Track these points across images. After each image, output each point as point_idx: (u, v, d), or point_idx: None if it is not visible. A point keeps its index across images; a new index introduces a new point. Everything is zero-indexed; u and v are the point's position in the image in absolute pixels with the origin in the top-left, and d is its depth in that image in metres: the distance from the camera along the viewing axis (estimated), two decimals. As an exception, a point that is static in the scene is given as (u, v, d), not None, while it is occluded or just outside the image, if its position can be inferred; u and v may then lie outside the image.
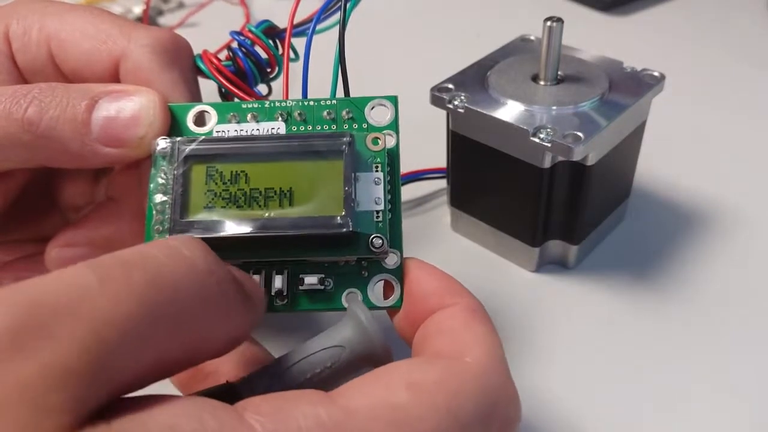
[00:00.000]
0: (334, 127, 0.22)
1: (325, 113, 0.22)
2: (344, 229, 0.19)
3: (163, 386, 0.16)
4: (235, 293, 0.16)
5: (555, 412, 0.26)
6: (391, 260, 0.21)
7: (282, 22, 0.27)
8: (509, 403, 0.17)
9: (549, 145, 0.26)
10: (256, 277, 0.20)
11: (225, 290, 0.16)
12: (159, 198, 0.21)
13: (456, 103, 0.29)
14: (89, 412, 0.13)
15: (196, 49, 0.26)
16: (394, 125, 0.22)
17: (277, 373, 0.18)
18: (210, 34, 0.30)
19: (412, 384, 0.16)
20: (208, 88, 0.26)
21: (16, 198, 0.25)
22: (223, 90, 0.25)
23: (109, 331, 0.13)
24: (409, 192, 0.37)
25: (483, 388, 0.16)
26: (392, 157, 0.21)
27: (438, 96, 0.29)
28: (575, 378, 0.27)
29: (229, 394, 0.17)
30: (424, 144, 0.35)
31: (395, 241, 0.21)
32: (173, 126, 0.22)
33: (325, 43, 0.25)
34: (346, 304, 0.20)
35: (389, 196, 0.21)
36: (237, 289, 0.17)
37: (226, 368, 0.21)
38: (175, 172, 0.20)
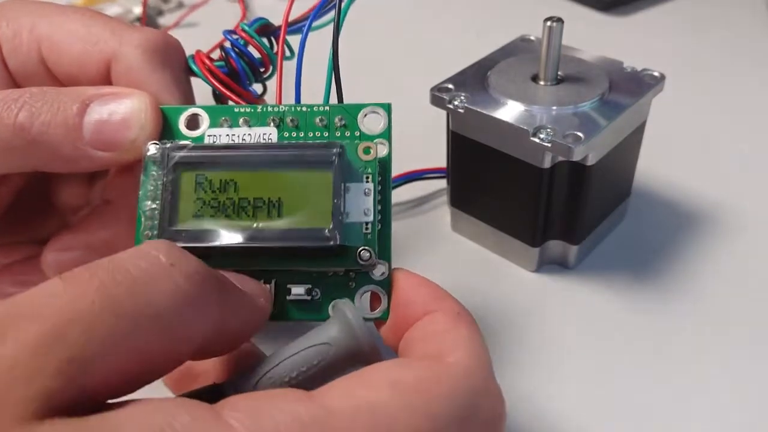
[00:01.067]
0: (326, 134, 0.22)
1: (317, 120, 0.22)
2: (332, 243, 0.19)
3: (157, 388, 0.16)
4: (210, 288, 0.16)
5: (554, 412, 0.26)
6: (379, 272, 0.20)
7: (281, 19, 0.27)
8: (491, 402, 0.17)
9: (549, 145, 0.26)
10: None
11: (195, 284, 0.16)
12: (148, 204, 0.20)
13: (456, 103, 0.29)
14: (59, 406, 0.13)
15: (196, 48, 0.25)
16: (387, 134, 0.22)
17: (263, 373, 0.18)
18: (210, 33, 0.30)
19: (393, 383, 0.16)
20: (205, 87, 0.26)
21: (12, 201, 0.25)
22: (216, 91, 0.25)
23: (71, 328, 0.14)
24: (409, 192, 0.37)
25: (462, 388, 0.16)
26: (384, 166, 0.21)
27: (438, 96, 0.29)
28: (575, 378, 0.27)
29: (214, 394, 0.17)
30: (424, 144, 0.35)
31: (384, 252, 0.21)
32: (165, 128, 0.22)
33: (320, 41, 0.25)
34: (332, 312, 0.20)
35: (379, 207, 0.21)
36: (214, 284, 0.17)
37: (216, 369, 0.21)
38: (165, 179, 0.20)
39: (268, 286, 0.20)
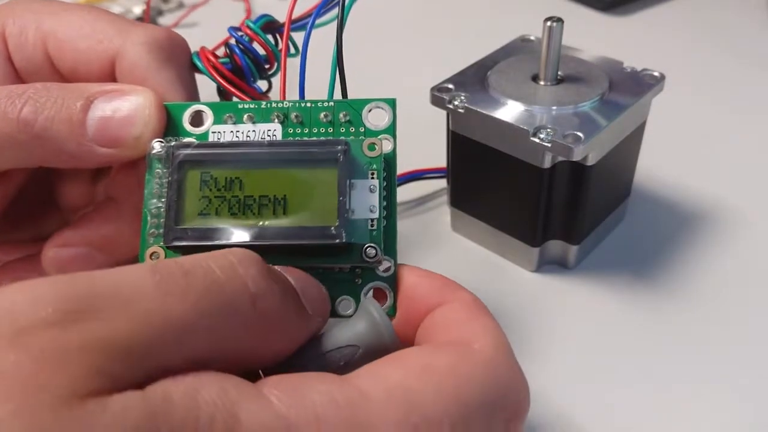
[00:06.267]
0: (331, 130, 0.22)
1: (322, 115, 0.22)
2: (337, 240, 0.19)
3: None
4: (284, 314, 0.17)
5: (554, 412, 0.26)
6: (384, 267, 0.21)
7: (284, 17, 0.27)
8: (518, 391, 0.17)
9: (549, 145, 0.26)
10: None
11: (272, 313, 0.16)
12: (154, 203, 0.20)
13: (456, 103, 0.29)
14: (130, 385, 0.14)
15: (197, 47, 0.25)
16: (391, 129, 0.21)
17: (292, 370, 0.18)
18: (211, 31, 0.30)
19: (424, 367, 0.16)
20: (208, 85, 0.26)
21: (14, 198, 0.25)
22: (221, 88, 0.25)
23: (156, 324, 0.14)
24: (409, 192, 0.37)
25: (491, 376, 0.17)
26: (389, 162, 0.21)
27: (438, 96, 0.29)
28: (575, 378, 0.27)
29: None
30: (424, 144, 0.35)
31: (389, 248, 0.21)
32: (169, 125, 0.22)
33: (323, 38, 0.25)
34: (340, 311, 0.20)
35: (384, 203, 0.21)
36: (288, 308, 0.17)
37: None
38: (170, 177, 0.20)
39: (325, 290, 0.20)
